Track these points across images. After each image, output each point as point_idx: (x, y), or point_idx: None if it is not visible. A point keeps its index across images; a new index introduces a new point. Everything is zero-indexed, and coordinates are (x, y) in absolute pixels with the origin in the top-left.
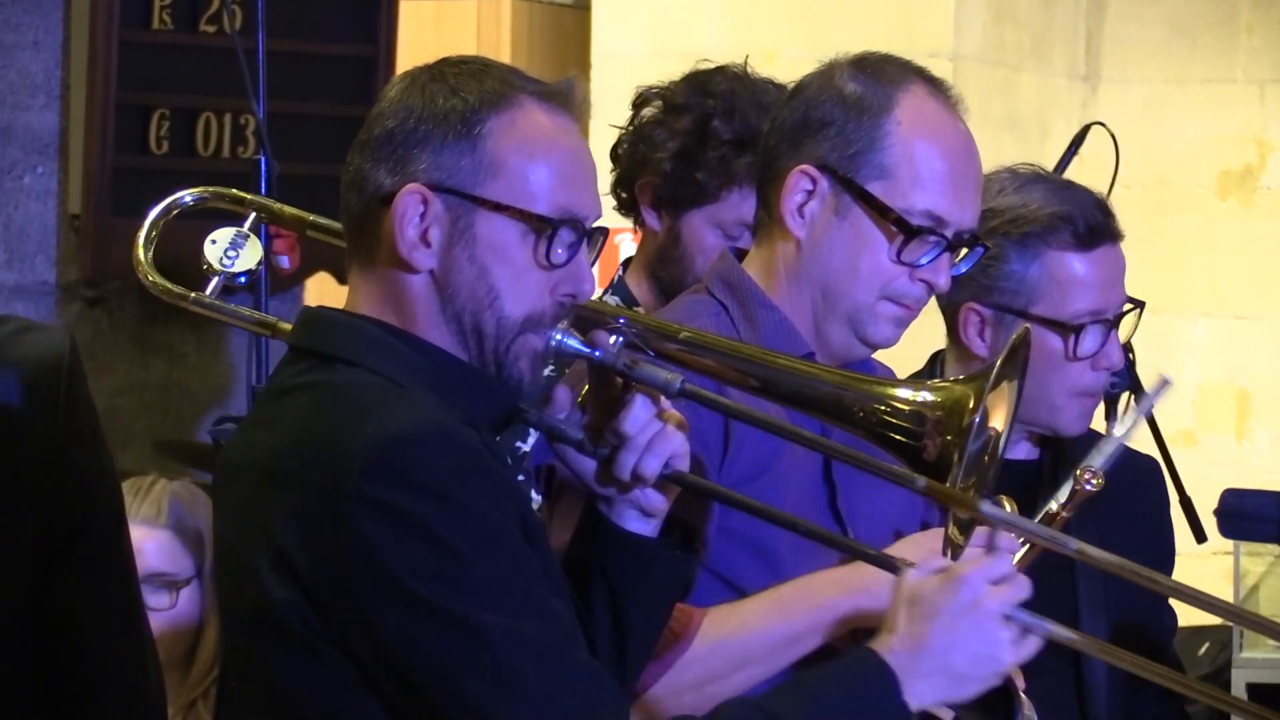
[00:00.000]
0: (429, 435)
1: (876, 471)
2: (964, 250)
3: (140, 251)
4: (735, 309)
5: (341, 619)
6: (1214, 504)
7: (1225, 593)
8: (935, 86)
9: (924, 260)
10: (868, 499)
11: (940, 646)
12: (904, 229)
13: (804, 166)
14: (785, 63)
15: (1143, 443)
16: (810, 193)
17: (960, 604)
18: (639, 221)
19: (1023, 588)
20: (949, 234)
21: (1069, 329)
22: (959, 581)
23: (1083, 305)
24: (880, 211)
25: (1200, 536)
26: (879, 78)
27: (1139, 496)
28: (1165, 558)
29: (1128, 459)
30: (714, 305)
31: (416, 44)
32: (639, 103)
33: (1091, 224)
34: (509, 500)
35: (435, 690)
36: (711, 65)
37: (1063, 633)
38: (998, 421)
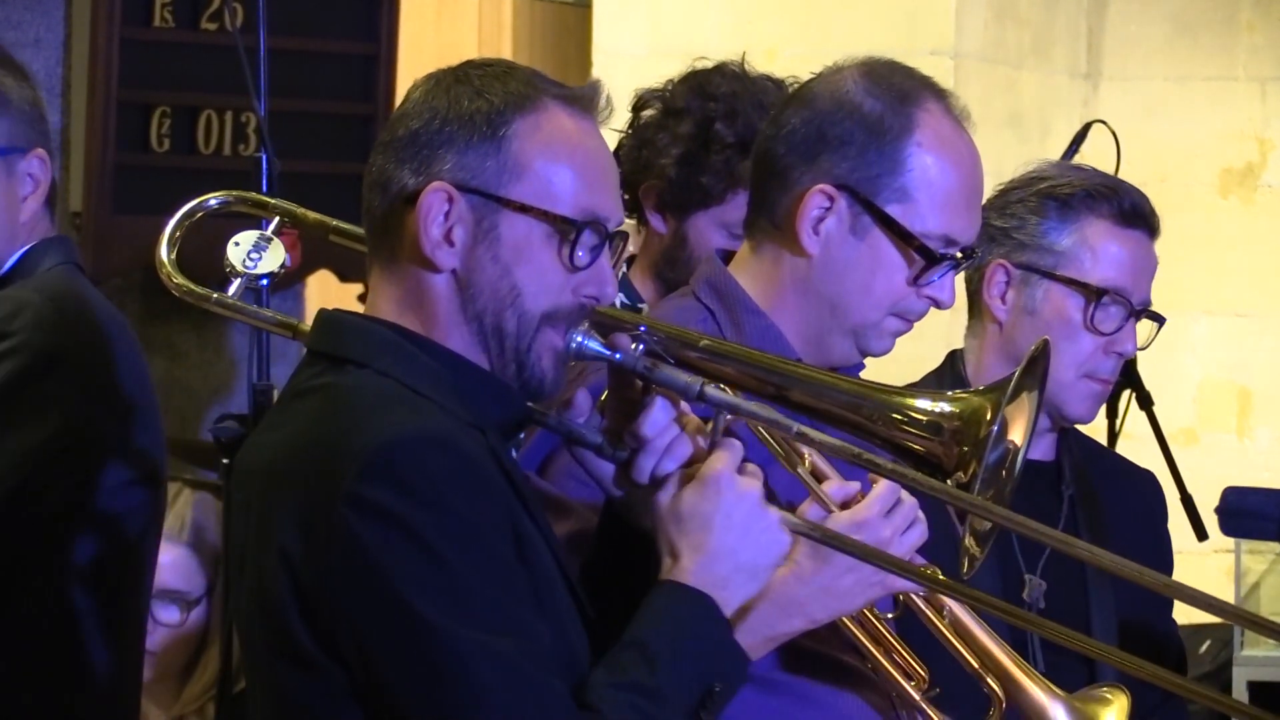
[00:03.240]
0: (427, 440)
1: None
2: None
3: (163, 253)
4: (722, 315)
5: (330, 619)
6: (1215, 502)
7: (1226, 590)
8: (947, 102)
9: (935, 279)
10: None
11: (726, 549)
12: (926, 256)
13: (823, 185)
14: (786, 60)
15: (1144, 440)
16: (828, 210)
17: (726, 502)
18: (643, 223)
19: (758, 472)
20: (958, 254)
21: (1092, 293)
22: (715, 481)
23: (1110, 277)
24: (902, 237)
25: (1201, 534)
26: (896, 95)
27: (1138, 509)
28: (1164, 565)
29: (1127, 470)
30: (701, 311)
31: (417, 42)
32: (638, 105)
33: (1136, 205)
34: (503, 511)
35: (402, 694)
36: (708, 63)
37: (795, 521)
38: (1016, 435)
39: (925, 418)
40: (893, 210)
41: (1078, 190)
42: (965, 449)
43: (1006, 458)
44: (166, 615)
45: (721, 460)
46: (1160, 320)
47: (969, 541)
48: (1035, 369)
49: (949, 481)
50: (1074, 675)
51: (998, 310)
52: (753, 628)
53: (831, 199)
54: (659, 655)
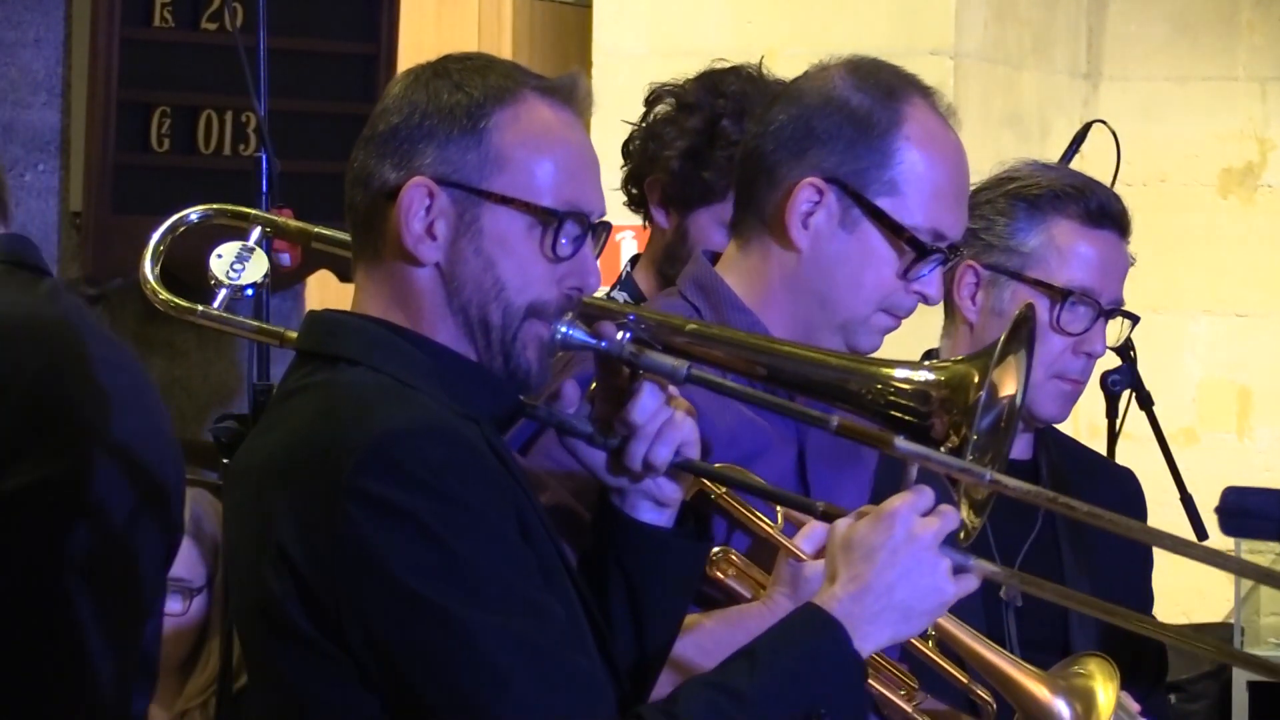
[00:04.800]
0: (426, 430)
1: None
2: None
3: (147, 268)
4: (707, 311)
5: (336, 613)
6: (1215, 502)
7: (1226, 590)
8: (932, 98)
9: (923, 274)
10: (840, 497)
11: (883, 585)
12: (916, 248)
13: (812, 179)
14: (786, 60)
15: (1144, 440)
16: (817, 204)
17: (896, 539)
18: (648, 218)
19: (952, 519)
20: (946, 248)
21: (1058, 294)
22: (891, 517)
23: (1077, 278)
24: (893, 230)
25: (1201, 534)
26: (882, 90)
27: (1116, 506)
28: (1144, 563)
29: (1105, 468)
30: (686, 307)
31: (418, 41)
32: (651, 100)
33: (1104, 204)
34: (506, 497)
35: (425, 686)
36: (726, 65)
37: (990, 568)
38: (1009, 389)
39: (912, 388)
40: (882, 203)
41: (1045, 191)
42: (955, 415)
43: (1002, 415)
44: (168, 605)
45: (904, 499)
46: (1134, 319)
47: (967, 513)
48: (1020, 333)
49: (942, 449)
50: (1052, 653)
51: (968, 311)
52: None
53: (821, 192)
54: (764, 666)
